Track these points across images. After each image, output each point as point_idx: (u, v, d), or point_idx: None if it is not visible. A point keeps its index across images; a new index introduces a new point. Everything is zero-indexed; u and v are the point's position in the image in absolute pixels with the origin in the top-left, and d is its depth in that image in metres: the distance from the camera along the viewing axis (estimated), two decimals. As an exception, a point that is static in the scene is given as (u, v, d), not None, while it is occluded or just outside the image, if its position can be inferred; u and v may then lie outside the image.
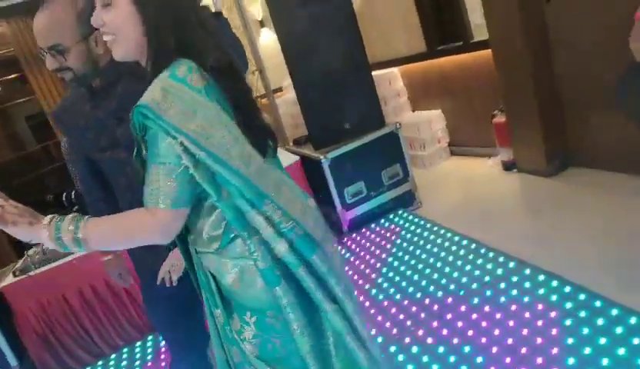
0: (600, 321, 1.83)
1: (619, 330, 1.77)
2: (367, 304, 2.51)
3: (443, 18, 3.84)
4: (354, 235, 3.30)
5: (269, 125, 1.19)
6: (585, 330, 1.82)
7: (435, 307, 2.28)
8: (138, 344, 2.86)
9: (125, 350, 2.84)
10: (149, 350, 2.77)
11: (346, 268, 2.91)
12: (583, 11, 2.71)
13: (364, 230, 3.32)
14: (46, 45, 1.30)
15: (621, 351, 1.68)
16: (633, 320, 1.78)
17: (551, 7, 2.91)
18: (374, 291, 2.59)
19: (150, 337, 2.88)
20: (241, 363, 1.13)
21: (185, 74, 0.98)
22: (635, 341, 1.70)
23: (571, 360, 1.72)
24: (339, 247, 3.21)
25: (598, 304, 1.92)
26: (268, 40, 5.28)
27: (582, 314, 1.91)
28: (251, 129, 1.06)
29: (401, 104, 4.51)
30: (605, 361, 1.67)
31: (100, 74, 1.37)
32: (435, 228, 2.99)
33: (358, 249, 3.12)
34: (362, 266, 2.89)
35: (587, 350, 1.73)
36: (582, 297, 1.99)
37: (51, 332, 2.68)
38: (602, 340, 1.75)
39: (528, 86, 3.09)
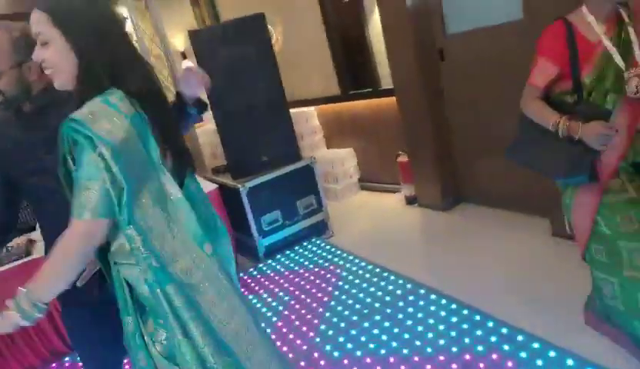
0: (479, 332, 2.15)
1: (493, 338, 2.09)
2: (279, 323, 2.65)
3: (355, 66, 4.24)
4: (269, 261, 3.44)
5: (188, 149, 1.35)
6: (467, 340, 2.12)
7: (342, 324, 2.49)
8: (54, 365, 2.73)
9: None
10: (51, 380, 2.66)
11: (260, 292, 3.04)
12: (472, 71, 3.19)
13: (279, 256, 3.48)
14: None
15: (494, 356, 1.99)
16: (504, 331, 2.12)
17: (445, 65, 3.38)
18: (285, 312, 2.74)
19: (67, 358, 2.76)
20: (147, 366, 1.22)
21: (117, 101, 1.11)
22: (495, 348, 2.02)
23: (453, 366, 2.00)
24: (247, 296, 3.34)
25: (477, 317, 2.25)
26: (190, 72, 5.37)
27: (465, 326, 2.22)
28: (173, 152, 1.23)
29: (316, 141, 4.82)
30: (480, 365, 1.96)
31: (31, 100, 1.43)
32: (345, 255, 3.24)
33: (272, 274, 3.26)
34: (276, 289, 3.03)
35: (467, 357, 2.03)
36: (465, 312, 2.31)
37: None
38: (479, 348, 2.06)
39: (426, 132, 3.53)
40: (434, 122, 3.50)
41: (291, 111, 3.71)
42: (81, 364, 2.29)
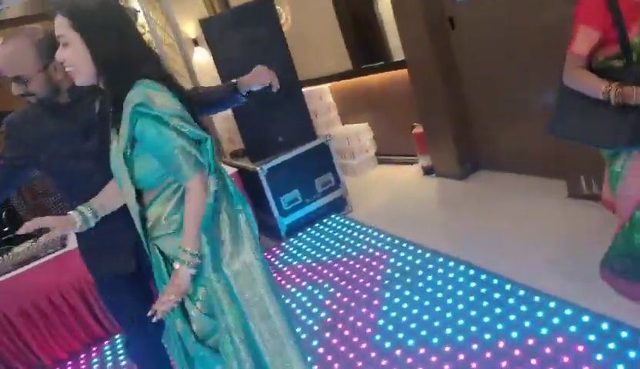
0: (497, 295, 2.20)
1: (511, 300, 2.14)
2: (303, 298, 2.75)
3: (366, 40, 4.23)
4: (291, 240, 3.55)
5: (208, 128, 1.46)
6: (485, 303, 2.18)
7: (364, 296, 2.57)
8: (82, 356, 2.91)
9: (70, 363, 2.88)
10: (95, 361, 2.84)
11: (284, 270, 3.16)
12: (483, 37, 3.16)
13: (300, 234, 3.58)
14: (10, 75, 1.50)
15: (512, 317, 2.05)
16: (521, 292, 2.17)
17: (455, 33, 3.35)
18: (309, 287, 2.84)
19: (94, 349, 2.94)
20: (183, 331, 1.36)
21: (153, 84, 1.26)
22: (512, 309, 2.07)
23: (472, 328, 2.06)
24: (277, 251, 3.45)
25: (495, 281, 2.30)
26: (202, 58, 5.44)
27: (483, 290, 2.27)
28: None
29: (331, 118, 4.85)
30: (499, 326, 2.03)
31: (63, 95, 1.56)
32: (364, 229, 3.30)
33: (295, 251, 3.36)
34: (300, 266, 3.14)
35: (486, 319, 2.09)
36: (483, 277, 2.36)
37: (-7, 350, 2.68)
38: (497, 310, 2.11)
39: (439, 101, 3.52)
40: (447, 91, 3.49)
41: (305, 89, 3.75)
42: (121, 341, 2.43)
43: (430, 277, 2.51)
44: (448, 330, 2.10)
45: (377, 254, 2.94)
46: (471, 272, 2.42)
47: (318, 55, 4.78)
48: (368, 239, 3.15)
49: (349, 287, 2.71)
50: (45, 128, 1.57)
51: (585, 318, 1.90)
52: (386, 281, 2.62)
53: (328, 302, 2.64)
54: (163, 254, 1.36)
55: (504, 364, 1.83)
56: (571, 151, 2.57)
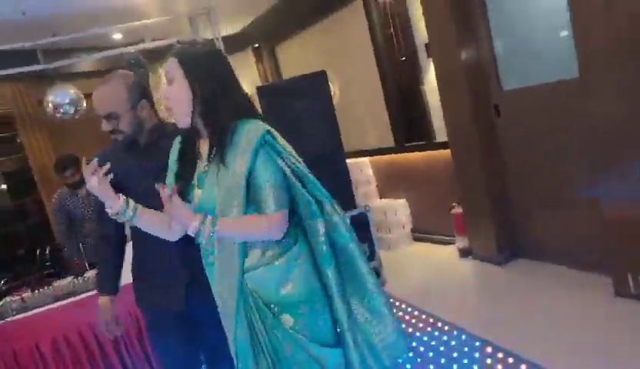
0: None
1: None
2: None
3: (410, 119, 4.38)
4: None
5: None
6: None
7: (395, 372, 2.48)
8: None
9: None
10: (113, 408, 2.79)
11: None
12: (528, 127, 3.24)
13: (331, 302, 3.53)
14: (103, 113, 1.66)
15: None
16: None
17: (500, 120, 3.45)
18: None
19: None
20: (292, 353, 1.38)
21: (263, 123, 1.39)
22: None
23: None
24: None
25: (510, 360, 2.20)
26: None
27: (522, 381, 2.17)
28: None
29: (370, 190, 4.93)
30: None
31: (146, 134, 1.72)
32: (397, 303, 3.24)
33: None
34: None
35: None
36: (510, 360, 2.27)
37: (19, 381, 2.69)
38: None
39: (480, 184, 3.56)
40: (489, 175, 3.54)
41: (347, 160, 3.87)
42: None
43: (465, 361, 2.41)
44: (484, 419, 1.99)
45: (409, 330, 2.86)
46: (510, 360, 2.32)
47: (362, 129, 4.97)
48: (400, 314, 3.09)
49: (379, 361, 2.62)
50: (124, 166, 1.69)
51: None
52: (418, 359, 2.54)
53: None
54: (250, 294, 1.39)
55: None
56: (619, 245, 2.52)
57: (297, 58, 5.76)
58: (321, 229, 1.41)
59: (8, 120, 4.84)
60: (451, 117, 3.66)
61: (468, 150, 3.58)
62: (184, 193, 1.43)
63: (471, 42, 3.44)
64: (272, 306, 1.39)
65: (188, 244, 1.48)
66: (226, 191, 1.36)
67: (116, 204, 1.45)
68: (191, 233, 1.35)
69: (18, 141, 4.98)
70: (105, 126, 1.68)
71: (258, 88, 3.66)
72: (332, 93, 5.06)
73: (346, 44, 4.84)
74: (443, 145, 3.94)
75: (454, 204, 3.94)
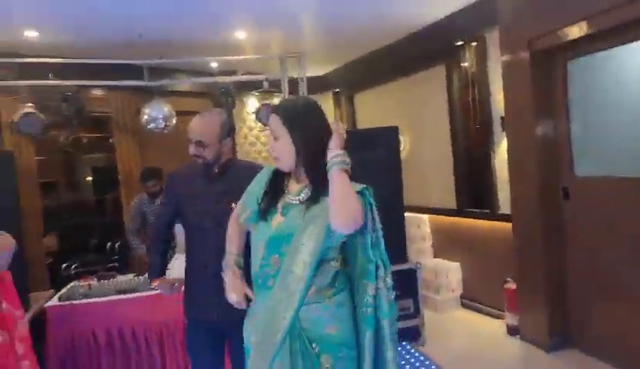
0: None
1: None
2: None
3: (476, 186, 4.38)
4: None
5: None
6: None
7: None
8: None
9: (124, 400, 3.02)
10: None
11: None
12: (597, 216, 3.16)
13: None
14: (195, 139, 1.94)
15: None
16: None
17: (568, 204, 3.39)
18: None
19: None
20: None
21: None
22: None
23: None
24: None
25: None
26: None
27: None
28: None
29: (424, 247, 4.92)
30: None
31: (221, 164, 1.99)
32: (433, 367, 3.20)
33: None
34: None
35: None
36: None
37: (71, 361, 2.93)
38: None
39: (539, 264, 3.47)
40: (549, 257, 3.45)
41: (405, 214, 3.92)
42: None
43: None
44: None
45: (441, 398, 2.82)
46: None
47: (426, 186, 5.01)
48: (435, 379, 3.05)
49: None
50: (194, 185, 2.01)
51: None
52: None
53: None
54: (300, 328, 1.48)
55: None
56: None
57: (373, 107, 5.96)
58: (371, 290, 1.50)
59: (107, 122, 5.38)
60: (518, 192, 3.64)
61: (530, 227, 3.53)
62: (266, 215, 1.57)
63: (547, 120, 3.45)
64: (314, 345, 1.47)
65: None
66: (309, 217, 1.49)
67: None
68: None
69: (111, 141, 5.50)
70: (192, 150, 1.95)
71: (332, 133, 3.85)
72: (402, 147, 5.19)
73: (423, 102, 4.97)
74: (505, 218, 3.91)
75: (508, 278, 3.85)
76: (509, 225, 3.77)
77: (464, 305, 4.52)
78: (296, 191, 1.56)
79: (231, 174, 1.98)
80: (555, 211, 3.45)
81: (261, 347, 1.52)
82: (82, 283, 3.29)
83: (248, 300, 1.62)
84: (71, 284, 3.36)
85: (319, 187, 1.50)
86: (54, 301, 3.06)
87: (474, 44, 4.23)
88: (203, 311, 1.99)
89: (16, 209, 3.22)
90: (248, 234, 1.70)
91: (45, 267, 4.51)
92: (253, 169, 1.94)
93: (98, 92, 4.97)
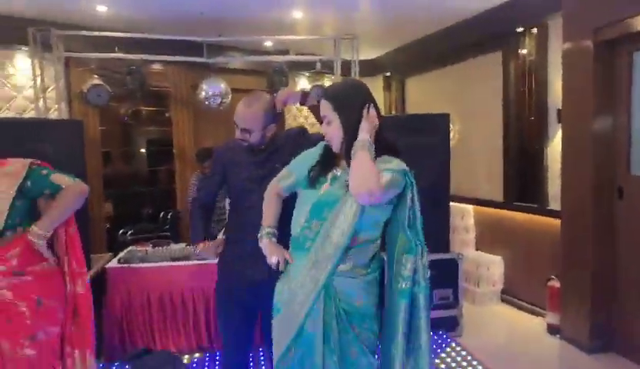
0: None
1: None
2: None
3: (525, 179, 4.28)
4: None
5: None
6: None
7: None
8: (186, 357, 3.26)
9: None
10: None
11: None
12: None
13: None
14: (241, 126, 2.05)
15: None
16: None
17: (622, 204, 3.28)
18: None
19: (196, 355, 3.26)
20: (357, 358, 1.59)
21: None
22: None
23: None
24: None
25: None
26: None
27: None
28: None
29: (467, 239, 4.88)
30: None
31: (265, 145, 2.10)
32: (469, 358, 3.23)
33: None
34: None
35: None
36: None
37: (126, 319, 3.17)
38: None
39: (587, 264, 3.39)
40: (598, 258, 3.36)
41: (450, 204, 3.90)
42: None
43: None
44: None
45: (475, 387, 2.85)
46: None
47: (473, 176, 4.94)
48: None
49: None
50: (237, 159, 2.13)
51: None
52: (476, 418, 2.53)
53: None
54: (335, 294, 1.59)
55: None
56: None
57: (424, 92, 5.89)
58: (410, 265, 1.57)
59: (165, 96, 5.61)
60: (570, 188, 3.54)
61: (580, 226, 3.44)
62: (315, 182, 1.67)
63: (607, 115, 3.33)
64: (345, 313, 1.59)
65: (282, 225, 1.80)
66: (335, 200, 1.60)
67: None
68: None
69: (167, 115, 5.73)
70: (238, 135, 2.08)
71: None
72: (452, 134, 5.12)
73: (476, 90, 4.87)
74: (554, 214, 3.82)
75: (552, 276, 3.78)
76: (557, 221, 3.68)
77: (504, 300, 4.48)
78: (343, 165, 1.66)
79: (271, 149, 2.10)
80: (608, 211, 3.35)
81: (292, 305, 1.63)
82: (139, 248, 3.52)
83: (287, 263, 1.72)
84: (129, 248, 3.60)
85: None
86: (113, 263, 3.30)
87: (534, 31, 4.08)
88: (241, 272, 2.07)
89: (83, 175, 3.44)
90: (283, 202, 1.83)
91: (104, 231, 4.82)
92: (288, 135, 2.16)
93: (157, 67, 5.18)
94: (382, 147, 1.61)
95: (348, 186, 1.56)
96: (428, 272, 1.61)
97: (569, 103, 3.55)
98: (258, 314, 2.15)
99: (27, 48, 4.08)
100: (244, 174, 2.09)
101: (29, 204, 1.97)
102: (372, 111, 1.60)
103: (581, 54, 3.37)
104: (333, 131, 1.63)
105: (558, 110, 3.78)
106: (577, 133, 3.46)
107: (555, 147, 3.91)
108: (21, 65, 4.33)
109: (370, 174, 1.48)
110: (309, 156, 1.76)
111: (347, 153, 1.60)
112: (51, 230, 1.93)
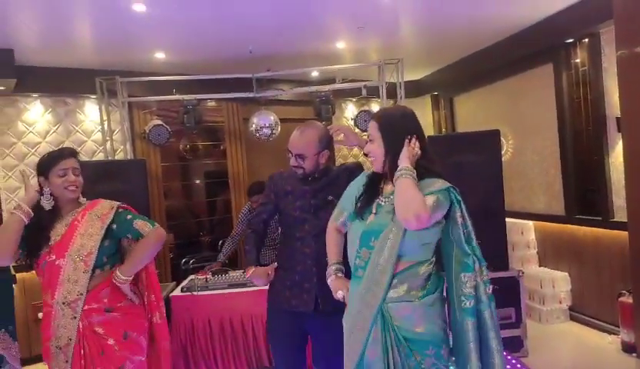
0: None
1: None
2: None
3: (586, 191, 4.10)
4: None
5: None
6: None
7: None
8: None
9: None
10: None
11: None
12: None
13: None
14: (295, 152, 2.10)
15: None
16: None
17: (696, 210, 3.07)
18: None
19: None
20: None
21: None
22: None
23: None
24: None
25: None
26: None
27: None
28: None
29: (528, 255, 4.70)
30: None
31: (318, 173, 2.13)
32: (536, 379, 3.09)
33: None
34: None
35: None
36: None
37: (191, 344, 3.31)
38: None
39: (661, 276, 3.18)
40: (672, 269, 3.15)
41: (508, 220, 3.80)
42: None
43: None
44: None
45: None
46: None
47: (531, 191, 4.79)
48: (537, 392, 2.94)
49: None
50: (291, 186, 2.17)
51: None
52: None
53: None
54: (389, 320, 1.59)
55: None
56: None
57: (474, 110, 5.82)
58: (470, 282, 1.57)
59: (219, 130, 5.89)
60: (636, 198, 3.36)
61: (650, 237, 3.24)
62: (362, 214, 1.71)
63: (672, 122, 3.15)
64: (406, 340, 1.58)
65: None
66: (382, 227, 1.63)
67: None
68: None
69: (222, 148, 6.00)
70: (293, 162, 2.11)
71: (430, 138, 3.86)
72: (504, 151, 5.01)
73: (528, 104, 4.76)
74: (621, 226, 3.62)
75: (624, 291, 3.57)
76: (625, 234, 3.49)
77: (572, 318, 4.25)
78: (388, 192, 1.70)
79: (325, 178, 2.14)
80: (681, 220, 3.14)
81: (352, 334, 1.66)
82: (200, 276, 3.68)
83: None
84: (190, 277, 3.78)
85: None
86: (177, 292, 3.47)
87: (585, 40, 3.98)
88: (287, 301, 2.10)
89: (147, 208, 3.69)
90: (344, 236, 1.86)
91: (169, 262, 5.07)
92: (344, 168, 2.19)
93: (211, 103, 5.48)
94: (425, 170, 1.64)
95: (393, 212, 1.59)
96: (490, 287, 1.60)
97: (628, 111, 3.39)
98: (307, 338, 2.17)
99: (94, 97, 4.46)
100: (297, 203, 2.13)
101: (114, 244, 2.11)
102: (414, 141, 1.64)
103: (637, 60, 3.23)
104: (376, 149, 1.69)
105: (617, 118, 3.63)
106: (639, 141, 3.30)
107: (616, 157, 3.73)
108: (89, 112, 4.74)
109: (414, 199, 1.51)
110: (354, 187, 1.81)
111: (390, 172, 1.65)
112: (133, 274, 2.07)
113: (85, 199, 2.15)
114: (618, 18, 3.39)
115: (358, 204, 1.73)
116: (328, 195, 2.06)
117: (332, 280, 1.81)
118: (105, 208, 2.10)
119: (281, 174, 2.26)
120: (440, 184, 1.60)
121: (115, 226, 2.08)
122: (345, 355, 1.71)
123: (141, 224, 2.10)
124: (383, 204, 1.69)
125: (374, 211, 1.69)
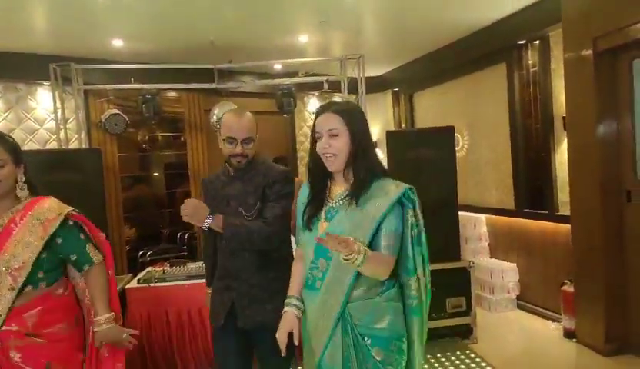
0: None
1: None
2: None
3: (535, 186, 4.32)
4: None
5: None
6: None
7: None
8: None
9: (192, 375, 3.33)
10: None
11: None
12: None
13: (418, 346, 3.64)
14: (245, 136, 1.93)
15: None
16: None
17: (631, 207, 3.30)
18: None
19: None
20: None
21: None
22: None
23: None
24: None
25: None
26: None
27: None
28: None
29: (480, 247, 4.90)
30: None
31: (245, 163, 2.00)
32: (484, 364, 3.25)
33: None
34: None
35: None
36: None
37: (147, 338, 3.28)
38: None
39: (598, 268, 3.40)
40: (609, 261, 3.37)
41: (462, 213, 3.95)
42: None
43: None
44: None
45: (489, 393, 2.88)
46: None
47: (484, 186, 4.99)
48: (484, 376, 3.10)
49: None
50: (215, 189, 2.09)
51: None
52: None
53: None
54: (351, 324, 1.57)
55: None
56: None
57: (432, 106, 5.98)
58: (414, 284, 1.61)
59: (179, 121, 5.81)
60: (578, 193, 3.57)
61: (590, 230, 3.46)
62: (310, 225, 1.66)
63: (610, 121, 3.37)
64: (366, 338, 1.55)
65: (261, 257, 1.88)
66: (354, 226, 1.56)
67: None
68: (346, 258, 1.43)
69: (182, 139, 5.92)
70: (240, 148, 1.92)
71: (388, 133, 3.97)
72: (460, 147, 5.19)
73: (482, 102, 4.95)
74: (564, 219, 3.84)
75: (566, 281, 3.79)
76: (568, 227, 3.71)
77: (520, 307, 4.48)
78: (338, 194, 1.65)
79: (254, 172, 2.01)
80: (617, 214, 3.37)
81: (310, 344, 1.66)
82: (157, 268, 3.65)
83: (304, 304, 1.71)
84: (148, 269, 3.73)
85: (362, 189, 1.58)
86: (133, 284, 3.42)
87: (536, 42, 4.17)
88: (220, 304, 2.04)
89: (102, 199, 3.62)
90: None
91: (125, 253, 4.98)
92: (271, 171, 2.04)
93: (171, 94, 5.39)
94: (370, 173, 1.60)
95: (348, 219, 1.56)
96: (429, 284, 1.66)
97: (573, 111, 3.60)
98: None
99: (47, 83, 4.31)
100: (214, 209, 1.92)
101: (56, 258, 1.76)
102: (332, 235, 1.42)
103: (582, 63, 3.43)
104: (341, 145, 1.58)
105: (564, 118, 3.83)
106: (582, 140, 3.51)
107: (562, 154, 3.95)
108: (42, 99, 4.57)
109: (382, 271, 1.55)
110: (300, 203, 1.75)
111: (355, 171, 1.60)
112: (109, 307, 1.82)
113: (27, 193, 1.76)
114: (566, 22, 3.58)
115: (305, 216, 1.68)
116: (240, 206, 1.95)
117: (285, 318, 1.69)
118: (52, 212, 1.73)
119: (210, 179, 2.16)
120: (394, 189, 1.57)
121: (59, 240, 1.73)
122: (303, 359, 1.72)
123: (92, 249, 1.80)
124: (334, 207, 1.63)
125: (323, 217, 1.64)
